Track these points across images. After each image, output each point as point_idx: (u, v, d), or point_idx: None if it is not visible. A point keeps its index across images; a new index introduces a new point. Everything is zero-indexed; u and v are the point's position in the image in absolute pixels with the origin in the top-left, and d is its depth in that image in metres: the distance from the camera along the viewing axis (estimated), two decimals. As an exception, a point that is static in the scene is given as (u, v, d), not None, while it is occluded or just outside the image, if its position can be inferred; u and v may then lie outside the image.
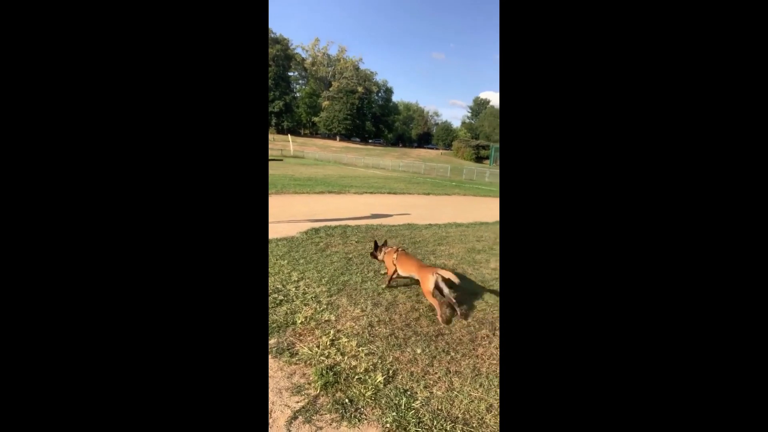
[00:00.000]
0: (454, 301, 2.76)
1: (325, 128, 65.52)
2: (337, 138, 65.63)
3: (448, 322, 2.70)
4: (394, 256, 3.19)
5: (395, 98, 78.75)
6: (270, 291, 3.05)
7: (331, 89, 65.09)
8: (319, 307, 2.79)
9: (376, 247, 3.47)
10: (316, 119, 66.00)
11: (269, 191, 5.86)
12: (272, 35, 62.56)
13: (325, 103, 64.78)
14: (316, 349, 2.24)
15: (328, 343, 2.30)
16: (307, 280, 3.32)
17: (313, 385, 1.92)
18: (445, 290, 2.76)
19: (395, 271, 3.17)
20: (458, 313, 2.75)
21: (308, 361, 2.12)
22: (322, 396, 1.84)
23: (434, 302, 2.74)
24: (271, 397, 1.83)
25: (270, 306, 2.78)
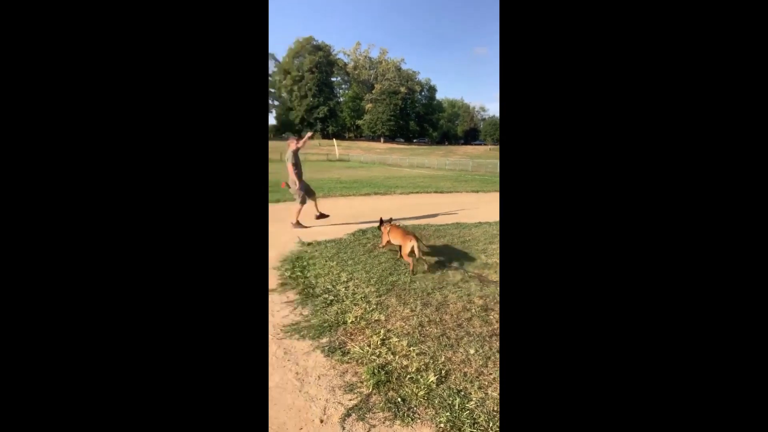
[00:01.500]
0: (423, 259, 3.80)
1: (369, 130, 66.24)
2: (381, 139, 66.11)
3: (414, 273, 3.62)
4: (388, 228, 4.19)
5: (439, 96, 77.92)
6: (320, 291, 3.12)
7: (373, 92, 65.70)
8: (369, 307, 2.82)
9: (381, 222, 4.48)
10: (359, 122, 66.89)
11: (317, 195, 6.01)
12: (314, 42, 64.32)
13: (368, 106, 65.49)
14: (367, 348, 2.26)
15: (378, 342, 2.32)
16: (356, 281, 3.37)
17: (365, 383, 1.94)
18: (416, 253, 3.68)
19: (388, 241, 4.13)
20: (426, 268, 3.71)
21: (360, 360, 2.15)
22: (375, 394, 1.86)
23: (409, 259, 3.69)
24: (325, 394, 1.87)
25: (321, 306, 2.85)
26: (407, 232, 3.91)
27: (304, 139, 5.66)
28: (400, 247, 3.89)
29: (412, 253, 3.66)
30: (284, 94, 67.96)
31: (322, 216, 5.93)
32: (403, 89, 65.40)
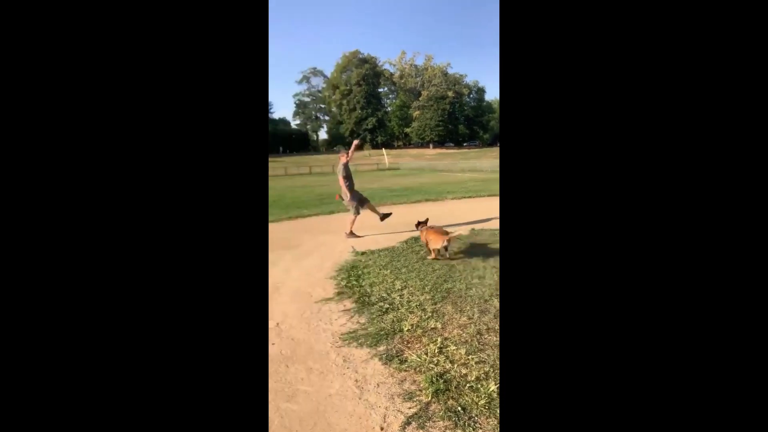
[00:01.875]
0: (447, 254, 4.23)
1: (418, 137, 66.28)
2: (431, 145, 65.83)
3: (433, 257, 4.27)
4: (424, 230, 4.53)
5: (489, 97, 75.81)
6: (376, 300, 3.17)
7: (420, 99, 65.83)
8: (425, 315, 2.81)
9: (419, 224, 4.80)
10: (408, 130, 67.22)
11: (370, 203, 6.11)
12: (360, 56, 65.90)
13: (416, 113, 65.67)
14: (425, 356, 2.25)
15: (436, 350, 2.30)
16: (411, 289, 3.37)
17: (424, 392, 1.93)
18: (448, 249, 4.25)
19: (427, 242, 4.41)
20: (447, 257, 4.24)
21: (417, 368, 2.14)
22: (434, 403, 1.84)
23: (434, 253, 4.23)
24: (384, 402, 1.89)
25: (377, 314, 2.89)
26: (440, 231, 4.34)
27: (352, 149, 5.80)
28: (434, 249, 4.28)
29: (443, 249, 4.13)
30: (334, 109, 70.22)
31: (385, 216, 6.07)
32: (450, 94, 64.89)
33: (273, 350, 2.47)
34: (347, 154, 5.66)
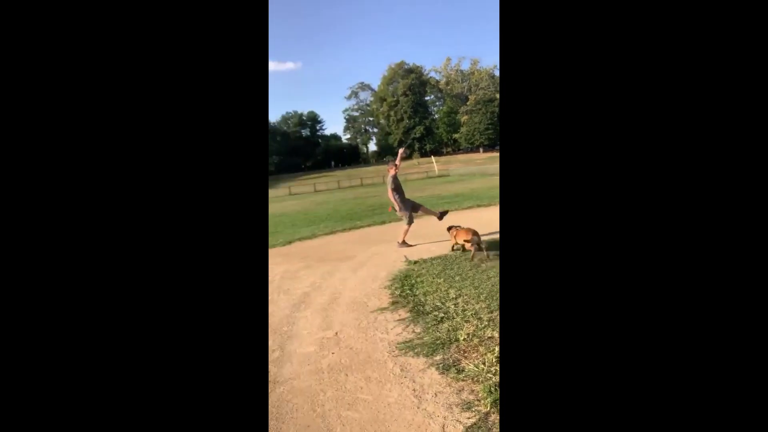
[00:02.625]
0: (483, 251, 4.58)
1: (467, 142, 65.21)
2: (480, 149, 64.49)
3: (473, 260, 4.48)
4: (454, 232, 5.02)
5: (539, 96, 73.23)
6: (430, 309, 3.17)
7: (468, 103, 64.92)
8: (481, 324, 2.77)
9: (449, 229, 5.20)
10: (456, 135, 66.46)
11: (424, 206, 6.11)
12: (406, 66, 66.54)
13: (464, 118, 64.78)
14: (482, 365, 2.22)
15: (493, 360, 2.26)
16: (465, 297, 3.34)
17: (482, 401, 1.91)
18: (479, 245, 4.61)
19: (456, 241, 4.97)
20: (487, 256, 4.52)
21: (475, 378, 2.12)
22: (493, 413, 1.82)
23: (471, 248, 4.59)
24: (443, 411, 1.90)
25: (432, 323, 2.90)
26: (468, 229, 4.82)
27: (398, 158, 5.86)
28: (465, 241, 4.79)
29: (473, 243, 4.55)
30: (382, 120, 71.24)
31: (443, 214, 6.14)
32: (498, 96, 63.45)
33: (333, 359, 2.57)
34: (395, 165, 5.74)
